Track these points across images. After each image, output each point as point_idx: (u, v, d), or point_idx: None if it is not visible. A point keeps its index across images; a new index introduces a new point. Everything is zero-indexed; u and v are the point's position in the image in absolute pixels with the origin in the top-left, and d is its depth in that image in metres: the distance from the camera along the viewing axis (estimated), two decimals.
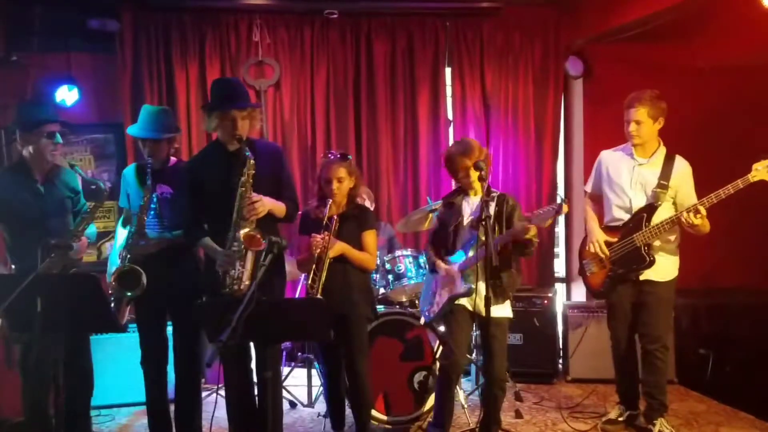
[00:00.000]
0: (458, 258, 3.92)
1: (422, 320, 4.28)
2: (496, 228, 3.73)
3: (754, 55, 5.13)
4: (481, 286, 3.71)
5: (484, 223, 3.51)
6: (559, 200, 3.57)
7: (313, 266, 3.78)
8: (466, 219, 3.92)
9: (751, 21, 4.48)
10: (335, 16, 5.81)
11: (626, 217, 4.12)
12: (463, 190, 3.99)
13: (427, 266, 4.29)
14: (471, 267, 3.83)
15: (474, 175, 3.83)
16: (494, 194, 3.80)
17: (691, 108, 5.58)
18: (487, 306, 3.45)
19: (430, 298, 4.10)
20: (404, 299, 4.83)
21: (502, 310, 3.85)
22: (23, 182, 3.88)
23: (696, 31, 5.34)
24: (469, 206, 3.95)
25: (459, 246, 3.94)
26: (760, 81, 5.22)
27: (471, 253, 3.85)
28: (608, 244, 4.15)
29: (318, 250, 3.75)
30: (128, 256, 3.83)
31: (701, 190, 3.98)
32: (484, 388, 4.01)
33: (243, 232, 3.45)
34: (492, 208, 3.69)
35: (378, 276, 4.82)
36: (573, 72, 6.03)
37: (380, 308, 4.49)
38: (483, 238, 3.60)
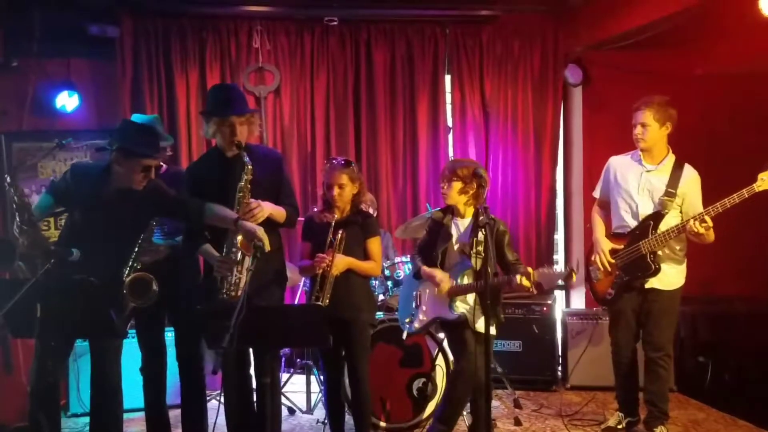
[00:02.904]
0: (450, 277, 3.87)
1: (404, 334, 4.19)
2: (483, 252, 3.69)
3: (753, 63, 5.14)
4: (477, 315, 3.78)
5: (476, 252, 3.61)
6: (567, 268, 3.54)
7: (317, 284, 3.76)
8: (455, 242, 3.90)
9: (750, 28, 4.49)
10: (335, 23, 5.83)
11: (633, 222, 4.12)
12: (451, 211, 3.97)
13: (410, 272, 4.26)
14: (463, 294, 3.83)
15: (461, 198, 3.85)
16: (483, 217, 3.78)
17: (690, 115, 5.57)
18: (488, 327, 3.40)
19: (412, 309, 4.07)
20: None
21: (492, 329, 3.79)
22: (95, 187, 3.60)
23: (694, 39, 5.35)
24: (457, 228, 3.92)
25: (446, 267, 3.91)
26: (759, 88, 5.23)
27: (460, 280, 3.83)
28: (614, 251, 4.15)
29: (321, 270, 3.75)
30: (135, 264, 3.80)
31: (703, 197, 3.98)
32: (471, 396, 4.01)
33: (240, 238, 3.44)
34: (480, 235, 3.66)
35: (377, 283, 4.82)
36: (572, 80, 6.05)
37: (380, 315, 4.49)
38: (477, 268, 3.68)
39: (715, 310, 5.41)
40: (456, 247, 3.89)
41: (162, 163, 4.12)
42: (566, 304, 6.16)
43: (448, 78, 6.07)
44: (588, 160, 5.96)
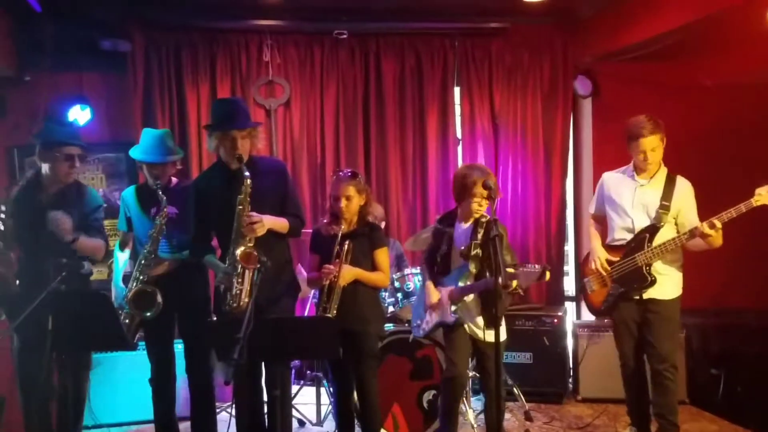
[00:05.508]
0: (451, 281, 3.90)
1: (411, 336, 4.30)
2: (482, 253, 3.71)
3: (760, 73, 5.13)
4: (476, 312, 3.80)
5: (474, 255, 3.64)
6: (542, 266, 3.53)
7: (325, 295, 3.76)
8: (456, 246, 3.89)
9: (757, 39, 4.49)
10: (345, 36, 5.86)
11: (629, 237, 4.12)
12: (454, 216, 3.98)
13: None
14: (461, 297, 3.82)
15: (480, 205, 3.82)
16: (484, 220, 3.76)
17: (698, 125, 5.58)
18: (497, 341, 3.35)
19: (421, 313, 4.09)
20: None
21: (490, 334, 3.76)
22: (33, 199, 3.85)
23: (702, 50, 5.35)
24: (458, 233, 3.92)
25: (452, 269, 3.92)
26: (766, 98, 5.22)
27: (461, 283, 3.83)
28: (610, 262, 4.16)
29: (328, 281, 3.75)
30: (141, 277, 3.83)
31: (707, 206, 3.96)
32: (485, 405, 4.01)
33: (240, 250, 3.47)
34: (478, 236, 3.72)
35: (387, 294, 4.82)
36: (581, 92, 6.04)
37: (389, 326, 4.48)
38: (474, 271, 3.70)
39: (727, 322, 5.37)
40: (457, 250, 3.89)
41: (172, 177, 4.15)
42: (577, 316, 6.13)
43: (457, 90, 6.09)
44: (598, 171, 5.92)
